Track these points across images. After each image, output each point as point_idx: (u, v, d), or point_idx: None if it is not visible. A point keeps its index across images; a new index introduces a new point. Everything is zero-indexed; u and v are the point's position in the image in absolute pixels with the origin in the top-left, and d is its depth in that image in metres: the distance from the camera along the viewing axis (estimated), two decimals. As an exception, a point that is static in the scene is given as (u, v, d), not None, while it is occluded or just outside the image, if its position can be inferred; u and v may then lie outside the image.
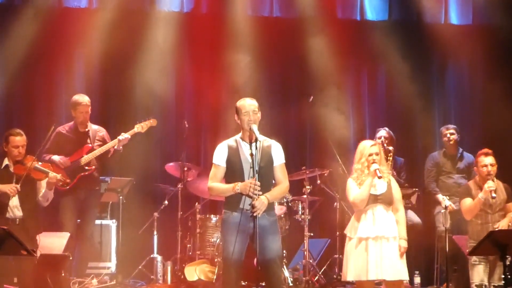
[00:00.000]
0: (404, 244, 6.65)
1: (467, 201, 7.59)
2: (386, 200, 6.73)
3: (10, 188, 7.43)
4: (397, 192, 6.82)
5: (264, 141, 6.08)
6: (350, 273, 6.67)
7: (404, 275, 6.71)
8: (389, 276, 6.57)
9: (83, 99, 8.50)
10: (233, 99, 6.46)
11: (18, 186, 7.42)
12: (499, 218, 7.48)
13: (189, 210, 9.20)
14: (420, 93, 10.52)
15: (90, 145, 8.44)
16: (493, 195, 7.32)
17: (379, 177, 6.66)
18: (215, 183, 6.11)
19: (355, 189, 6.78)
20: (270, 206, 6.02)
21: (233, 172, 6.05)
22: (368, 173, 6.73)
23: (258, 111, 6.09)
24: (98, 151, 8.38)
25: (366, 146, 6.85)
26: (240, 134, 6.14)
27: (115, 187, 9.01)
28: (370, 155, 6.76)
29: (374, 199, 6.72)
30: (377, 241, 6.62)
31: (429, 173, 9.27)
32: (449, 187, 9.05)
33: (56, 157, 8.26)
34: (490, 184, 7.38)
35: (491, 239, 6.19)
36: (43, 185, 7.71)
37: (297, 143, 10.35)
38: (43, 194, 7.69)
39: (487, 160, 7.52)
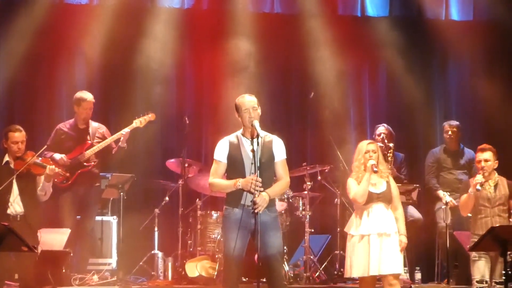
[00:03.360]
0: (405, 239, 6.84)
1: (463, 197, 7.60)
2: (385, 198, 6.90)
3: None
4: (395, 190, 6.99)
5: (266, 136, 6.06)
6: (353, 269, 6.82)
7: (400, 269, 6.86)
8: (387, 270, 6.71)
9: (88, 95, 8.54)
10: (234, 95, 6.45)
11: None
12: (499, 212, 7.46)
13: (190, 206, 9.20)
14: (421, 89, 10.53)
15: (89, 141, 8.45)
16: (478, 187, 7.31)
17: (375, 172, 6.83)
18: (216, 179, 6.09)
19: (355, 186, 6.94)
20: (271, 202, 6.01)
21: (234, 168, 6.03)
22: (365, 169, 6.90)
23: (258, 107, 6.07)
24: (97, 147, 8.40)
25: (364, 144, 7.07)
26: (241, 130, 6.12)
27: (116, 183, 8.99)
28: (367, 152, 6.96)
29: (375, 197, 6.88)
30: (379, 237, 6.76)
31: (429, 169, 9.26)
32: (450, 183, 9.04)
33: (57, 155, 8.27)
34: (477, 178, 7.38)
35: (492, 235, 6.18)
36: (42, 180, 7.70)
37: (297, 139, 10.36)
38: (41, 187, 7.64)
39: (482, 156, 7.52)
